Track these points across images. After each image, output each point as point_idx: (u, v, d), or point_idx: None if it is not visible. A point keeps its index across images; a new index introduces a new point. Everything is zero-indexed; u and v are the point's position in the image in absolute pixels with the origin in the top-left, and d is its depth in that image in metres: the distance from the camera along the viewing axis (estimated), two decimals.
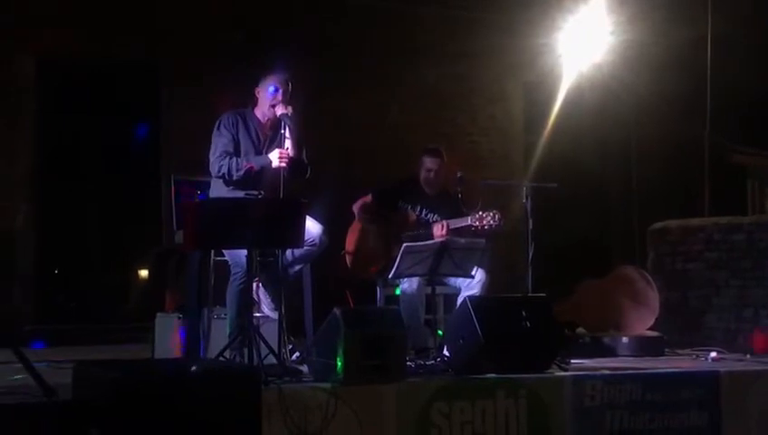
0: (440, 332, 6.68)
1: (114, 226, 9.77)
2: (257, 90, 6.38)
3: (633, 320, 7.79)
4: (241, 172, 6.15)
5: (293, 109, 6.21)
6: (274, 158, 6.10)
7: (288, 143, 6.14)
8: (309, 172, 6.36)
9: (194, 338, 6.52)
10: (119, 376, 4.42)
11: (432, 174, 7.30)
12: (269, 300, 6.43)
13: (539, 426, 5.74)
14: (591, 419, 5.89)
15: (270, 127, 6.36)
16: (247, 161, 6.18)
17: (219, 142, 6.27)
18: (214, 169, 6.25)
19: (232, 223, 5.54)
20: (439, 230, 7.00)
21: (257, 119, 6.40)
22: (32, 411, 4.53)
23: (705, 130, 9.88)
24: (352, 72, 10.03)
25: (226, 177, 6.19)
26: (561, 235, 10.01)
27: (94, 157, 9.83)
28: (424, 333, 6.84)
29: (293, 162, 6.18)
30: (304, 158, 6.33)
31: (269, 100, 6.29)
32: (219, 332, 6.29)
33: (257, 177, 6.17)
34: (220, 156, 6.21)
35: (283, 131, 6.14)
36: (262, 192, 6.12)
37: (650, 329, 7.78)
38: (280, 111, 6.18)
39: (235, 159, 6.19)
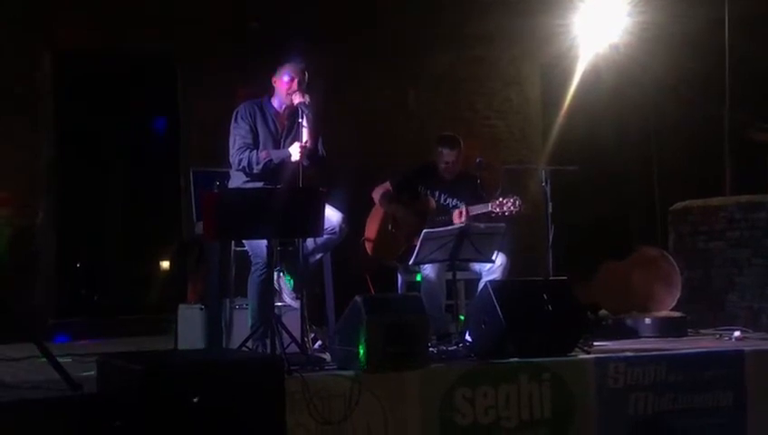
0: (462, 317, 6.67)
1: (134, 218, 9.82)
2: (274, 79, 6.37)
3: (656, 301, 7.76)
4: (260, 166, 6.15)
5: (311, 98, 6.20)
6: (294, 152, 6.09)
7: (306, 133, 6.14)
8: (326, 162, 6.36)
9: (215, 329, 6.54)
10: (143, 368, 4.44)
11: (449, 165, 7.27)
12: (290, 289, 6.44)
13: (563, 409, 5.74)
14: (615, 401, 5.89)
15: (287, 116, 6.36)
16: (266, 153, 6.18)
17: (238, 135, 6.27)
18: (234, 161, 6.26)
19: (251, 213, 5.54)
20: (459, 217, 6.99)
21: (274, 108, 6.39)
22: (58, 406, 4.56)
23: (725, 108, 9.80)
24: (368, 57, 10.00)
25: (246, 169, 6.20)
26: (581, 217, 9.97)
27: (113, 150, 9.87)
28: (445, 318, 6.83)
29: (312, 154, 6.18)
30: (321, 147, 6.33)
31: (285, 88, 6.29)
32: (241, 322, 6.31)
33: (277, 169, 6.17)
34: (240, 149, 6.22)
35: (300, 120, 6.13)
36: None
37: (673, 309, 7.75)
38: (297, 99, 6.16)
39: (254, 151, 6.19)
